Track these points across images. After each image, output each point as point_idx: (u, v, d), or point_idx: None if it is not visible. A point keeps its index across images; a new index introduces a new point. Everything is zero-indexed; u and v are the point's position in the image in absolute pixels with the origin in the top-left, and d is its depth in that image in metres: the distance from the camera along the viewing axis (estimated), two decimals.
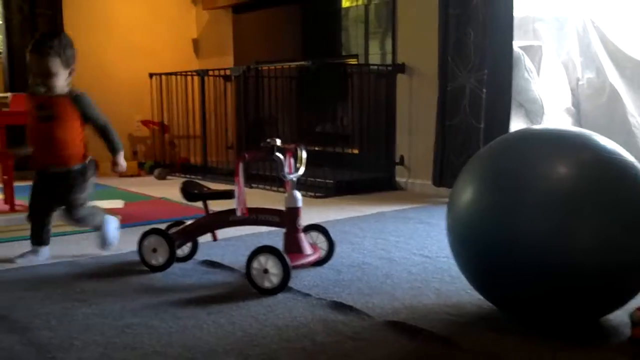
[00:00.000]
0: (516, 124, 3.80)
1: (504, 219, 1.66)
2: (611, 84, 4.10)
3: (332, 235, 2.40)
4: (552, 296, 1.63)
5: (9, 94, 3.62)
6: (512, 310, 1.80)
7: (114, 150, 2.55)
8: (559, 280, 1.59)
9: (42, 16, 5.34)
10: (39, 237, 2.51)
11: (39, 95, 2.41)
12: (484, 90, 3.65)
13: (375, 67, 4.60)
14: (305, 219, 2.26)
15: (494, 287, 1.77)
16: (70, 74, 2.46)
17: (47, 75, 2.36)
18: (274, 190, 4.27)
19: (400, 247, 2.65)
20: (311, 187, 4.15)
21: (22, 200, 3.90)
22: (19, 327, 1.75)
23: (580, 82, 4.32)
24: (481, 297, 1.89)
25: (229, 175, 4.90)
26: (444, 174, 3.90)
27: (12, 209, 3.55)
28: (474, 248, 1.74)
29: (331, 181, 4.21)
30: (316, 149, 4.70)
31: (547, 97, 4.06)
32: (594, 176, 1.65)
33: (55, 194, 2.44)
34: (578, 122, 4.25)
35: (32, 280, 2.23)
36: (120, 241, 2.75)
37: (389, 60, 4.57)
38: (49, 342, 1.64)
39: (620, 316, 1.75)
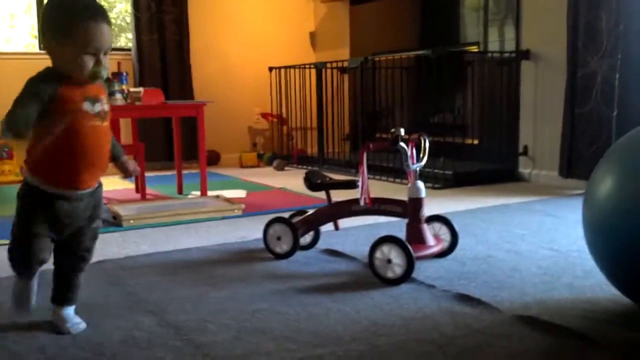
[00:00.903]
0: None
1: None
2: None
3: (455, 226, 2.35)
4: None
5: (141, 89, 3.82)
6: None
7: (120, 152, 1.78)
8: None
9: (169, 13, 5.60)
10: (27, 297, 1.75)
11: (88, 83, 1.58)
12: (617, 76, 3.44)
13: (499, 54, 4.45)
14: (426, 211, 2.23)
15: (634, 282, 1.67)
16: None
17: (105, 52, 1.56)
18: (391, 182, 4.25)
19: (527, 241, 2.55)
20: (429, 178, 4.09)
21: (153, 189, 4.13)
22: (157, 310, 1.84)
23: None
24: (618, 293, 1.79)
25: (345, 166, 4.94)
26: (573, 165, 3.72)
27: (143, 198, 3.76)
28: (613, 241, 1.65)
29: (450, 172, 4.13)
30: (433, 139, 4.63)
31: None
32: None
33: (69, 225, 1.65)
34: None
35: (167, 265, 2.35)
36: (245, 229, 2.85)
37: (508, 48, 4.41)
38: (184, 324, 1.72)
39: None
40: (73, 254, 1.69)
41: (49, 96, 1.51)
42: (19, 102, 1.48)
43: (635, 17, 3.44)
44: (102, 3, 5.98)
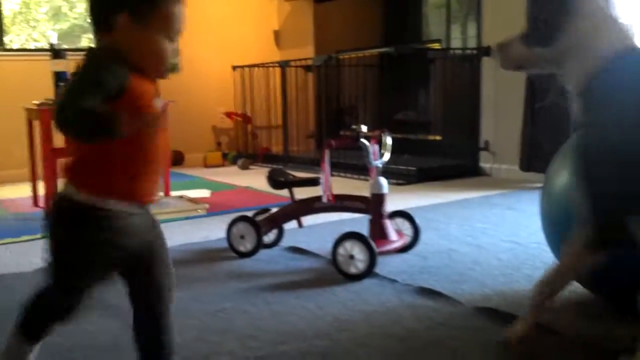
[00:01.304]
0: None
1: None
2: None
3: (416, 221, 2.38)
4: None
5: None
6: (608, 295, 1.73)
7: None
8: None
9: None
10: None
11: (161, 76, 1.25)
12: None
13: (460, 50, 4.50)
14: (388, 206, 2.25)
15: (590, 273, 1.70)
16: None
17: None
18: (354, 178, 4.27)
19: (488, 234, 2.60)
20: (393, 174, 4.12)
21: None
22: (121, 313, 1.82)
23: None
24: (575, 283, 1.83)
25: (310, 164, 4.94)
26: (533, 158, 3.78)
27: (167, 194, 3.68)
28: (569, 233, 1.68)
29: (413, 168, 4.16)
30: (397, 136, 4.66)
31: None
32: None
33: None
34: None
35: None
36: (209, 228, 2.83)
37: (471, 45, 4.47)
38: None
39: None
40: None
41: (118, 88, 1.10)
42: (76, 90, 1.08)
43: None
44: (64, 3, 5.90)
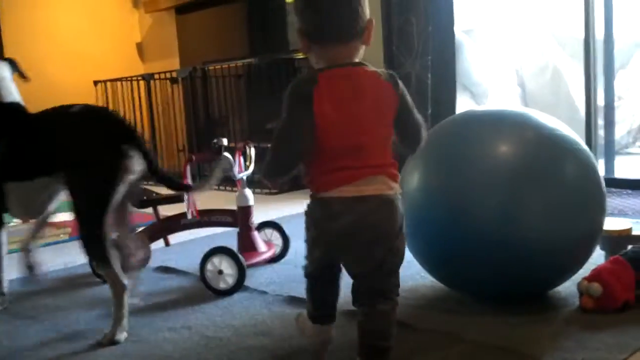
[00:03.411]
0: (462, 108, 3.85)
1: (452, 200, 1.68)
2: (553, 62, 4.19)
3: (286, 230, 2.40)
4: (502, 272, 1.66)
5: None
6: (464, 289, 1.83)
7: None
8: (508, 256, 1.63)
9: None
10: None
11: None
12: (429, 76, 3.69)
13: None
14: (261, 216, 2.26)
15: (446, 267, 1.80)
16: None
17: None
18: (228, 190, 4.24)
19: None
20: (266, 184, 4.13)
21: None
22: None
23: (523, 62, 4.41)
24: (434, 280, 1.92)
25: (182, 179, 4.85)
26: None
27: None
28: (426, 233, 1.76)
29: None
30: (269, 145, 4.68)
31: (491, 78, 4.13)
32: (536, 154, 1.68)
33: None
34: (524, 100, 4.34)
35: None
36: (71, 254, 2.70)
37: None
38: None
39: (568, 288, 1.79)
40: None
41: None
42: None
43: (442, 18, 3.70)
44: None
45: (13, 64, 2.27)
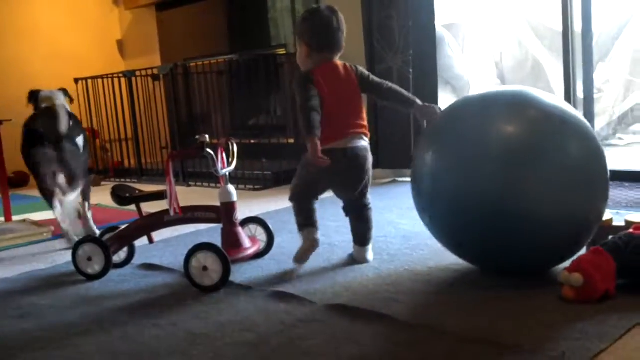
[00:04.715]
0: (444, 101, 3.88)
1: (464, 171, 1.78)
2: (533, 55, 4.22)
3: (270, 226, 2.40)
4: (504, 243, 1.76)
5: None
6: (470, 258, 1.95)
7: None
8: (511, 227, 1.72)
9: None
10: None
11: None
12: (411, 70, 3.71)
13: None
14: (245, 212, 2.26)
15: (454, 239, 1.91)
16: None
17: None
18: (212, 187, 4.24)
19: (340, 232, 2.67)
20: (250, 180, 4.14)
21: None
22: None
23: (503, 55, 4.44)
24: (419, 273, 1.94)
25: (166, 176, 4.84)
26: (379, 156, 3.94)
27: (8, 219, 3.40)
28: (439, 199, 1.85)
29: (269, 173, 4.20)
30: (252, 141, 4.68)
31: (472, 72, 4.15)
32: (541, 130, 1.75)
33: None
34: None
35: None
36: (56, 253, 2.70)
37: None
38: None
39: (548, 278, 1.82)
40: None
41: None
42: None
43: (422, 13, 3.72)
44: None
45: (65, 92, 3.37)
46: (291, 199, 2.20)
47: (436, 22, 3.75)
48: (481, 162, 1.75)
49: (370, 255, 2.22)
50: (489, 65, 4.38)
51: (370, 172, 2.16)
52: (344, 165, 2.08)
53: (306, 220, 2.16)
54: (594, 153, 1.80)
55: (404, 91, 2.16)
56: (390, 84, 2.17)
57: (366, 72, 2.17)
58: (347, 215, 2.26)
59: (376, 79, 2.17)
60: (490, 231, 1.75)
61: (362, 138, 2.12)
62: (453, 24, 4.23)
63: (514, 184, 1.71)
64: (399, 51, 3.75)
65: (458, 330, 1.55)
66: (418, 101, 2.12)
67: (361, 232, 2.23)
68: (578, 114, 1.84)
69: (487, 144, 1.76)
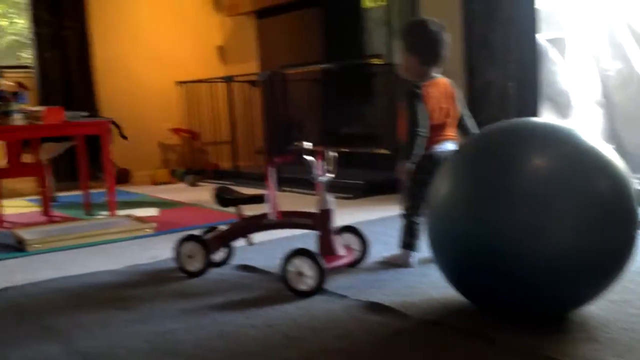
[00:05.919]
0: (546, 118, 3.77)
1: (481, 211, 1.64)
2: (639, 73, 4.04)
3: (364, 236, 2.41)
4: (528, 288, 1.62)
5: (40, 108, 3.70)
6: (487, 305, 1.79)
7: None
8: (535, 271, 1.58)
9: (70, 29, 5.45)
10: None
11: None
12: (511, 84, 3.63)
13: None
14: (336, 221, 2.28)
15: (469, 281, 1.76)
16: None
17: None
18: (304, 193, 4.29)
19: None
20: (341, 188, 4.16)
21: (59, 211, 3.97)
22: (63, 337, 1.79)
23: (608, 73, 4.26)
24: (444, 292, 1.90)
25: (259, 180, 4.94)
26: None
27: (50, 220, 3.62)
28: (451, 240, 1.73)
29: (361, 182, 4.21)
30: (344, 150, 4.70)
31: (575, 89, 4.01)
32: (570, 170, 1.62)
33: None
34: (609, 113, 4.19)
35: (73, 290, 2.28)
36: (157, 248, 2.81)
37: None
38: (93, 351, 1.68)
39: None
40: None
41: None
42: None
43: (524, 26, 3.63)
44: (1, 19, 5.76)
45: (115, 124, 3.55)
46: (404, 217, 2.36)
47: (539, 36, 3.66)
48: (503, 199, 1.61)
49: None
50: (593, 83, 4.21)
51: None
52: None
53: (411, 239, 2.33)
54: (623, 186, 1.64)
55: (469, 129, 2.37)
56: (467, 118, 2.39)
57: (461, 96, 2.40)
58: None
59: (463, 107, 2.39)
60: (514, 276, 1.60)
61: (454, 143, 2.31)
62: (557, 38, 4.10)
63: (536, 224, 1.56)
64: (500, 64, 3.68)
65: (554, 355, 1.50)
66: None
67: None
68: (606, 146, 1.69)
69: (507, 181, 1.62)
